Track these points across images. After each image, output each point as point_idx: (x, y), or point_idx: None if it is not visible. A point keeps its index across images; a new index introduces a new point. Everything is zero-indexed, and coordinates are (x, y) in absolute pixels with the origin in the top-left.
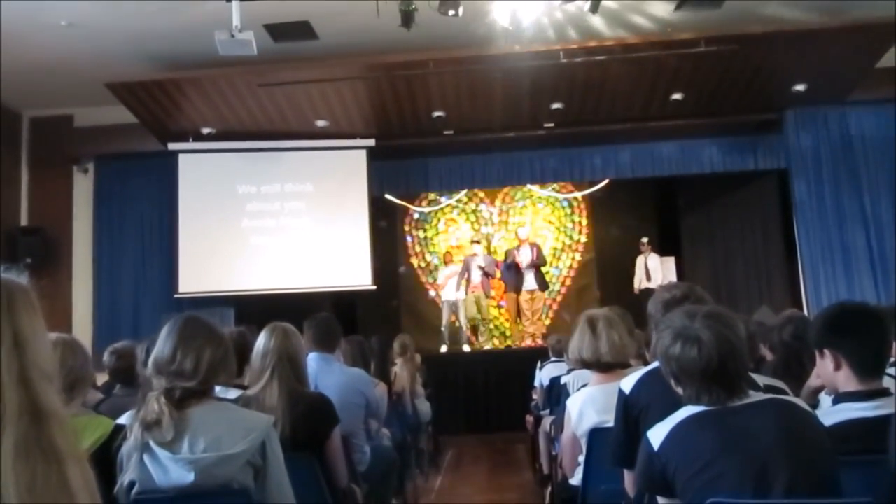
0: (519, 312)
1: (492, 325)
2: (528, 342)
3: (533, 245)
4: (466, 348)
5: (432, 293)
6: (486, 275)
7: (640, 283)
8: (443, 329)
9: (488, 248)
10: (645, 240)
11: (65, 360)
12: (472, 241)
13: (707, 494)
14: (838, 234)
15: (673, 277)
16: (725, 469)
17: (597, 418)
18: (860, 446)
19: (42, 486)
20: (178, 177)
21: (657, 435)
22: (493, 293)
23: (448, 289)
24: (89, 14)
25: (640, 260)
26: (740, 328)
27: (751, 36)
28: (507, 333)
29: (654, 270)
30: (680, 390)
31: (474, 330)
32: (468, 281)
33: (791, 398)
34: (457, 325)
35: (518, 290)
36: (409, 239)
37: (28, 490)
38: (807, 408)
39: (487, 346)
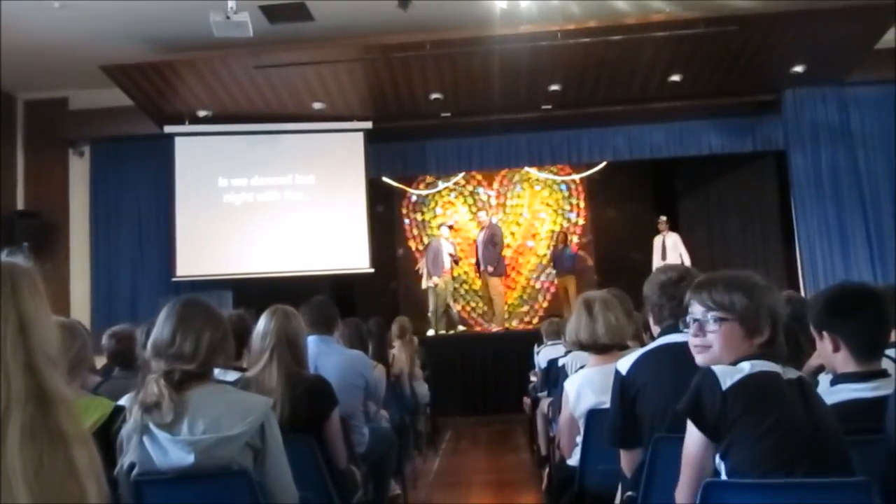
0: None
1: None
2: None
3: (485, 228)
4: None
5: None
6: (456, 261)
7: (657, 262)
8: (430, 315)
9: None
10: (663, 218)
11: (64, 344)
12: (441, 225)
13: (751, 462)
14: (836, 215)
15: (687, 257)
16: (780, 440)
17: (594, 399)
18: (858, 426)
19: (49, 469)
20: (174, 160)
21: (727, 376)
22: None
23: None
24: None
25: (657, 240)
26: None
27: (750, 16)
28: (505, 316)
29: (671, 249)
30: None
31: (448, 318)
32: (434, 264)
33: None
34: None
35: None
36: (406, 222)
37: (35, 473)
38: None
39: (457, 330)
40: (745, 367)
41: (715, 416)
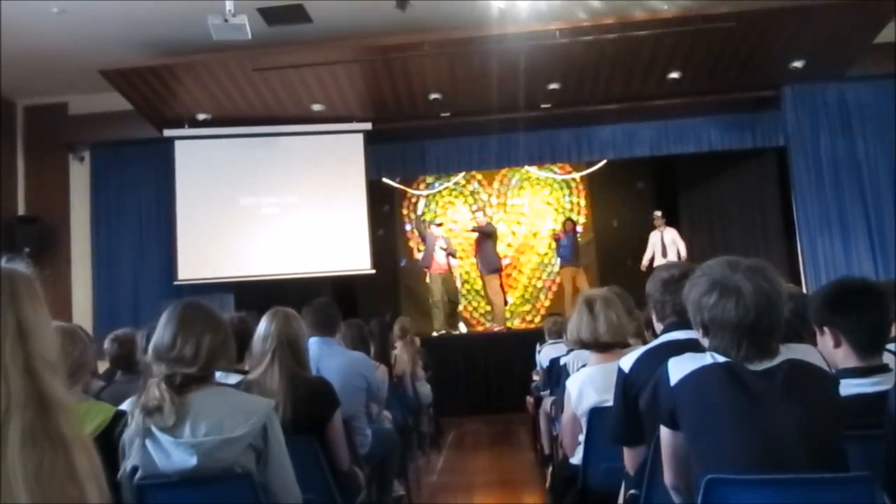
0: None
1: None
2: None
3: (481, 227)
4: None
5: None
6: (451, 255)
7: (654, 258)
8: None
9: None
10: (658, 213)
11: (64, 348)
12: (434, 224)
13: (711, 457)
14: (837, 210)
15: (684, 250)
16: (734, 438)
17: (596, 398)
18: (859, 421)
19: (49, 473)
20: (174, 163)
21: (677, 370)
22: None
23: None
24: (81, 0)
25: (654, 235)
26: (782, 286)
27: (748, 12)
28: (507, 315)
29: (671, 245)
30: (706, 342)
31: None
32: (423, 259)
33: (809, 361)
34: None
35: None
36: (407, 223)
37: (36, 477)
38: (823, 369)
39: (461, 330)
40: (701, 359)
41: (669, 411)
